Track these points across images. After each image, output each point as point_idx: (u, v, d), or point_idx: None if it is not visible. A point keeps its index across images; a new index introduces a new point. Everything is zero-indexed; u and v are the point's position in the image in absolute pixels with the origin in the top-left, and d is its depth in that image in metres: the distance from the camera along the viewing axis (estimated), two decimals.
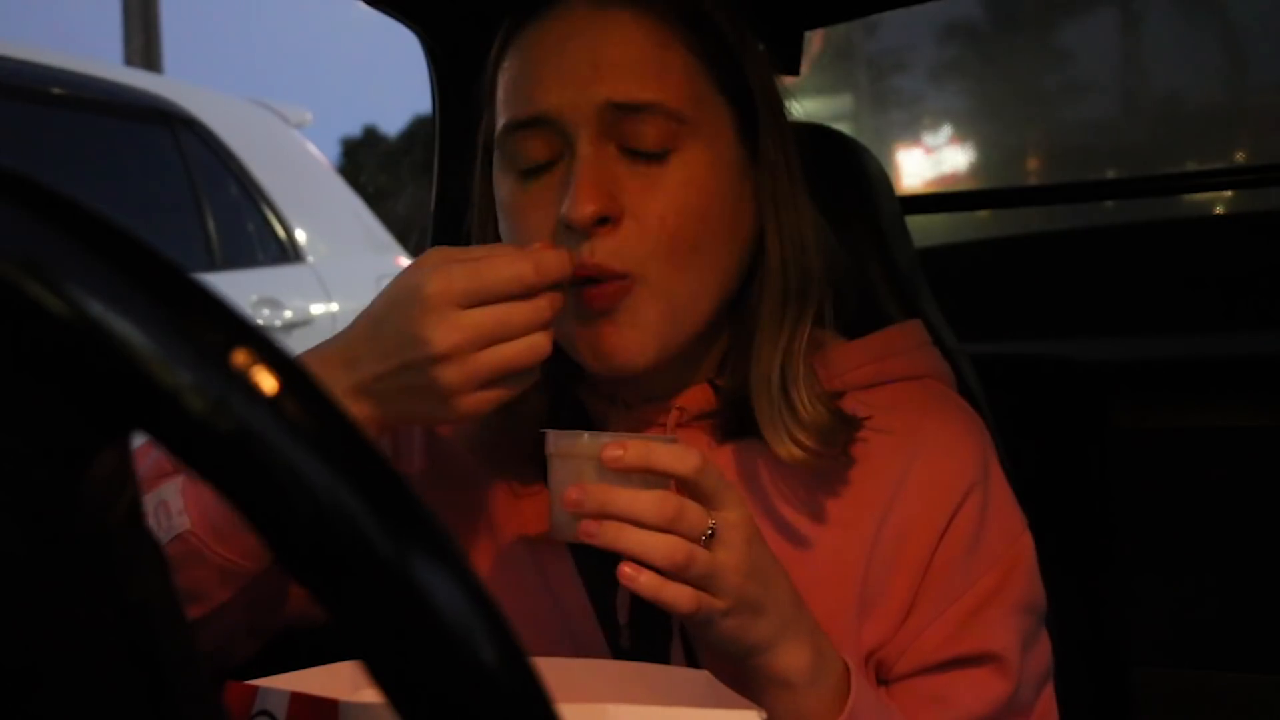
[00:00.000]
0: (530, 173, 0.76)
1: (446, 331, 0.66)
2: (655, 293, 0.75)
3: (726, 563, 0.66)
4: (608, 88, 0.74)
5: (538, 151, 0.76)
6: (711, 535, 0.67)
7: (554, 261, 0.69)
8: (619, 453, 0.66)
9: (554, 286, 0.69)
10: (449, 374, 0.67)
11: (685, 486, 0.67)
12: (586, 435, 0.69)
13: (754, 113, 0.79)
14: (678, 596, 0.65)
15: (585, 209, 0.72)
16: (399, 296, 0.68)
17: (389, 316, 0.68)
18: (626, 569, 0.65)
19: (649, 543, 0.65)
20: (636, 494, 0.66)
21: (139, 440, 0.29)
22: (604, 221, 0.73)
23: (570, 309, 0.74)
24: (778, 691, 0.70)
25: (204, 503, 0.71)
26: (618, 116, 0.74)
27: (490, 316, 0.67)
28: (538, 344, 0.68)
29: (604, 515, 0.65)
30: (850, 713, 0.70)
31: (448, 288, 0.66)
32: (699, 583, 0.66)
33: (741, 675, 0.70)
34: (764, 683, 0.70)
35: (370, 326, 0.70)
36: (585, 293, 0.74)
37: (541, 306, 0.68)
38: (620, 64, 0.74)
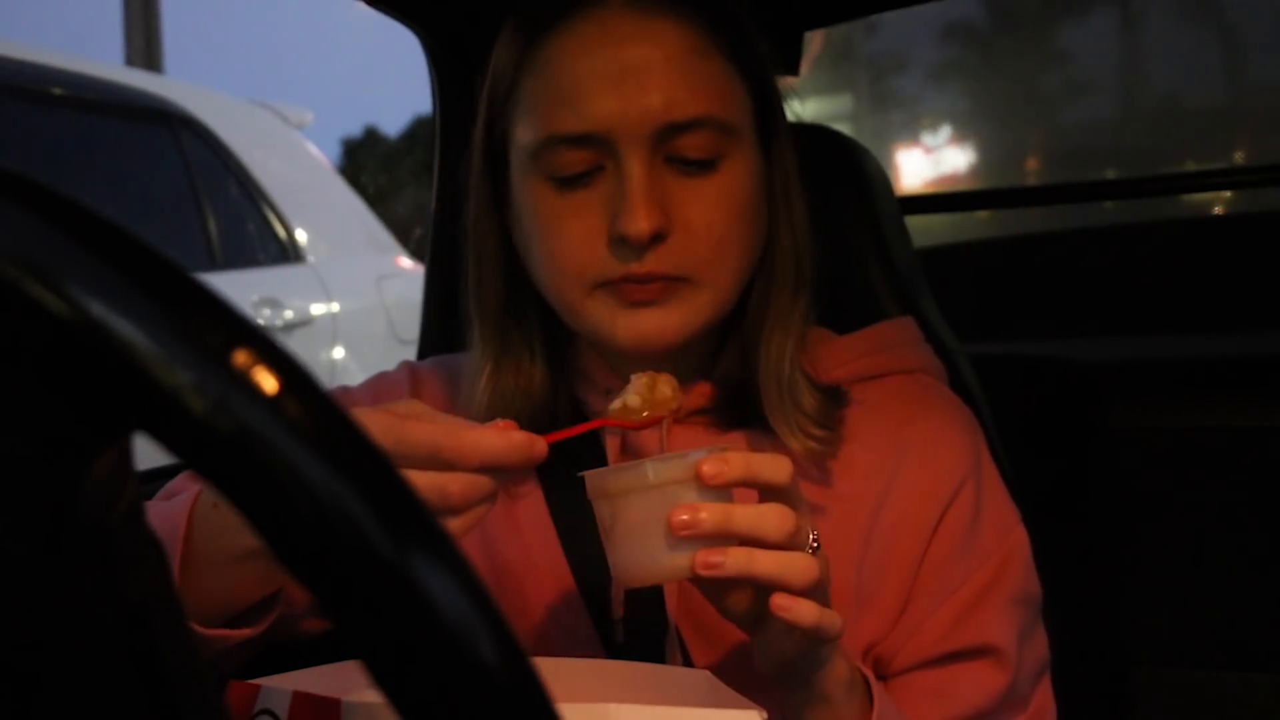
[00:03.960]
0: (568, 181, 0.75)
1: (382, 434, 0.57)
2: (702, 286, 0.75)
3: (831, 576, 0.63)
4: (661, 105, 0.72)
5: (578, 162, 0.74)
6: (818, 548, 0.62)
7: (524, 442, 0.59)
8: (721, 468, 0.59)
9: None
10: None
11: (770, 494, 0.62)
12: (649, 463, 0.59)
13: (769, 111, 0.80)
14: (809, 614, 0.60)
15: (642, 226, 0.72)
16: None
17: None
18: (782, 600, 0.59)
19: (790, 563, 0.59)
20: (759, 510, 0.60)
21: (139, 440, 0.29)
22: (658, 238, 0.73)
23: (609, 299, 0.75)
24: (820, 708, 0.68)
25: None
26: (670, 132, 0.73)
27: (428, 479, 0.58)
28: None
29: (724, 536, 0.59)
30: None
31: (400, 423, 0.58)
32: (822, 600, 0.62)
33: (787, 694, 0.68)
34: (814, 699, 0.68)
35: None
36: (633, 288, 0.74)
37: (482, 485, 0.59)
38: (670, 78, 0.73)
